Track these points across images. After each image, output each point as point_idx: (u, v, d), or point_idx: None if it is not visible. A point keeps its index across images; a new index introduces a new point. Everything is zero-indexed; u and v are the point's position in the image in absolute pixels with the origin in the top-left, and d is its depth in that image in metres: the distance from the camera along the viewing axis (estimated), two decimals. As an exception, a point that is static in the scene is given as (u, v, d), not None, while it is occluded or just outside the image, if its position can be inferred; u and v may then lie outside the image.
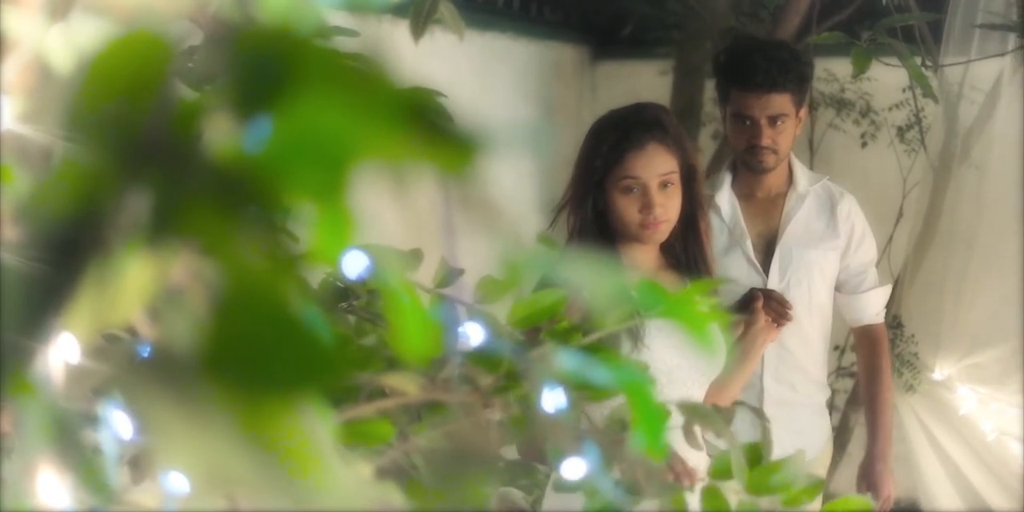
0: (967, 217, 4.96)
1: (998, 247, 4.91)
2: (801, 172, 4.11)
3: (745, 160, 4.02)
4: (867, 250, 4.14)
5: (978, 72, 4.88)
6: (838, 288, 4.11)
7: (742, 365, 3.44)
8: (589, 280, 0.73)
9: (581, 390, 1.08)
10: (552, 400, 1.10)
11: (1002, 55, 4.68)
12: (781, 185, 4.07)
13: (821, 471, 4.06)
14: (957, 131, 4.96)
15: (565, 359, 1.04)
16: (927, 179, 5.13)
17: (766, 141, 3.90)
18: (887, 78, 5.17)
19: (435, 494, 0.89)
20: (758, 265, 3.99)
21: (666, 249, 3.34)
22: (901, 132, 5.86)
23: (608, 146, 3.22)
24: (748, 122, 3.90)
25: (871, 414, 4.24)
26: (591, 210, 3.25)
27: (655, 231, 3.22)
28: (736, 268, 3.96)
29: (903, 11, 4.48)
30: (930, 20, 4.60)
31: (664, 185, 3.20)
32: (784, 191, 4.07)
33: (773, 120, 3.88)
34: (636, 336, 3.00)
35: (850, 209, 4.09)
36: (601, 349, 1.08)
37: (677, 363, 3.12)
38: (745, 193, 4.07)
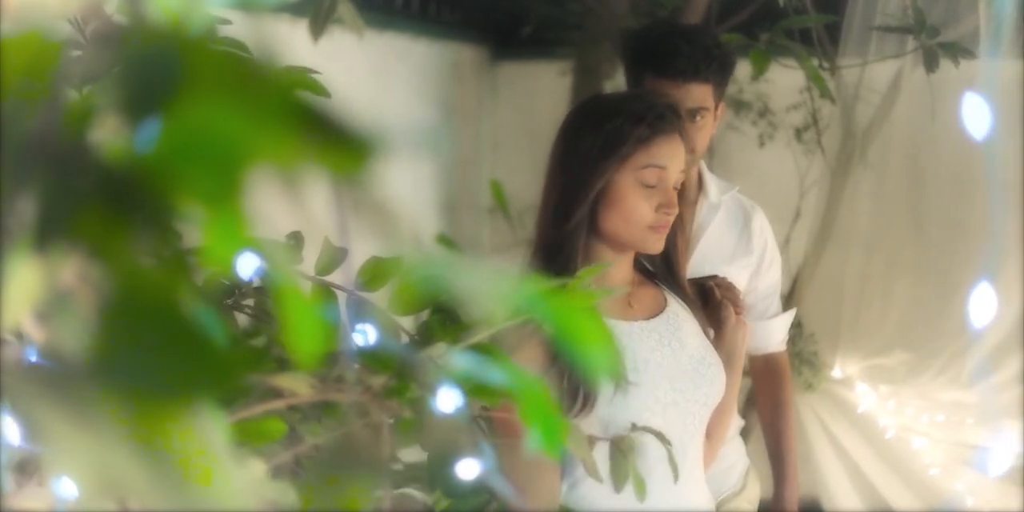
0: (864, 217, 5.01)
1: (896, 248, 4.96)
2: (711, 180, 3.68)
3: None
4: (776, 271, 3.76)
5: (874, 73, 4.94)
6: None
7: (730, 374, 2.93)
8: (475, 287, 0.73)
9: (474, 392, 1.07)
10: (446, 400, 1.09)
11: (899, 56, 4.73)
12: (690, 191, 3.61)
13: (751, 506, 3.81)
14: (854, 132, 5.02)
15: (458, 360, 1.04)
16: (824, 179, 5.18)
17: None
18: (785, 79, 5.22)
19: (321, 495, 0.88)
20: None
21: (637, 264, 2.92)
22: (798, 133, 5.94)
23: (646, 124, 2.71)
24: None
25: (778, 453, 3.81)
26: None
27: (662, 237, 2.75)
28: None
29: (801, 13, 4.49)
30: (827, 22, 4.62)
31: (675, 185, 2.76)
32: (693, 198, 3.62)
33: (692, 114, 3.36)
34: (587, 398, 2.59)
35: (763, 225, 3.70)
36: (494, 351, 1.08)
37: (673, 399, 2.74)
38: None
